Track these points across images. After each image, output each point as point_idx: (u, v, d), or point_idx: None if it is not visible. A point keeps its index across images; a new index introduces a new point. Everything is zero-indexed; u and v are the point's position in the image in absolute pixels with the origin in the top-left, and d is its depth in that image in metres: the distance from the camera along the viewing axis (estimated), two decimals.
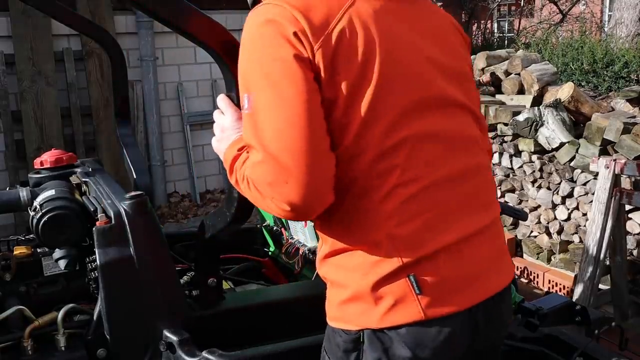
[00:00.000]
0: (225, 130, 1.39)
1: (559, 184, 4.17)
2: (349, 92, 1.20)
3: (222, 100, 1.45)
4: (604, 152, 3.94)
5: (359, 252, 1.25)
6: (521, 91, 4.80)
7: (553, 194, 4.22)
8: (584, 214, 4.01)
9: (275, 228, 2.54)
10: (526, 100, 4.68)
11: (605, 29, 8.48)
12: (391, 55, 1.24)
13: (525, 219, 2.63)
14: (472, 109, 1.38)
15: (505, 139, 4.49)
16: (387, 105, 1.22)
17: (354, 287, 1.26)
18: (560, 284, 4.03)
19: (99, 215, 1.89)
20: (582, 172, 4.03)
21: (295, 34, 1.18)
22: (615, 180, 3.56)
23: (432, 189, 1.25)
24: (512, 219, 4.47)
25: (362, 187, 1.23)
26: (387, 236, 1.22)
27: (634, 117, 4.01)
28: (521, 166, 4.42)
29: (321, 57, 1.18)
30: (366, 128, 1.21)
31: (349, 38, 1.21)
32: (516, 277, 4.05)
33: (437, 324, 1.23)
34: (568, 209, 4.13)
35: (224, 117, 1.42)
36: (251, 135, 1.20)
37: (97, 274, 1.86)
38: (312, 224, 2.19)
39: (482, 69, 5.18)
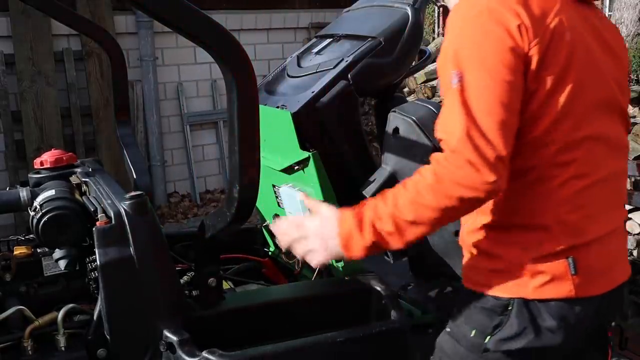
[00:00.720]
0: (323, 223, 1.49)
1: None
2: (551, 86, 1.31)
3: (308, 200, 1.63)
4: None
5: (522, 230, 1.38)
6: None
7: None
8: None
9: None
10: None
11: None
12: (586, 57, 1.37)
13: None
14: (627, 117, 1.52)
15: None
16: (579, 103, 1.34)
17: (511, 260, 1.38)
18: None
19: (99, 215, 1.89)
20: None
21: (518, 27, 1.28)
22: None
23: (595, 185, 1.39)
24: None
25: (540, 174, 1.36)
26: (556, 220, 1.36)
27: (634, 117, 4.01)
28: None
29: (536, 52, 1.29)
30: (558, 122, 1.33)
31: (560, 35, 1.32)
32: None
33: (580, 303, 1.38)
34: None
35: (314, 219, 1.53)
36: (458, 110, 1.28)
37: (97, 274, 1.85)
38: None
39: None
